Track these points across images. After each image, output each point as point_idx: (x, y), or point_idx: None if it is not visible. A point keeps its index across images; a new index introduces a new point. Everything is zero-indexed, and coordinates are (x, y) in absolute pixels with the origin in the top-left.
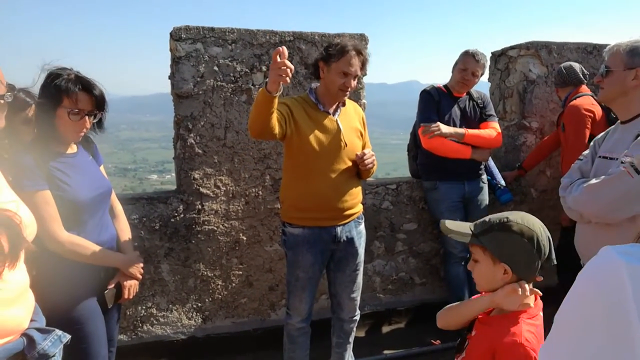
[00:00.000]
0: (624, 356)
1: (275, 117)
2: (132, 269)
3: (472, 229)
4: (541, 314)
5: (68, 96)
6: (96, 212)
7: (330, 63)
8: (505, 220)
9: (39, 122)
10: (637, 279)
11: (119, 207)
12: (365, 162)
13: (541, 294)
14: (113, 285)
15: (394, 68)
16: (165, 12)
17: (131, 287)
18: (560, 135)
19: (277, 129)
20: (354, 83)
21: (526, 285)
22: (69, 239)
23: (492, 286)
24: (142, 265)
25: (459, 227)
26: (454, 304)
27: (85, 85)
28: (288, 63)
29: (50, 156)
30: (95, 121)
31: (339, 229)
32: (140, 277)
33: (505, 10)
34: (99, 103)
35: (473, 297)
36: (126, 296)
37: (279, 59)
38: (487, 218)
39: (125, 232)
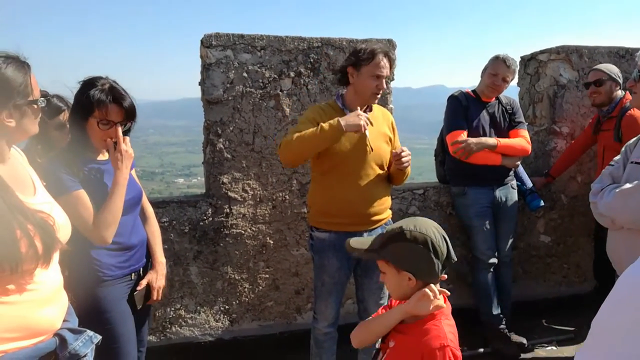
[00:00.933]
0: None
1: None
2: (162, 270)
3: (371, 245)
4: None
5: (99, 107)
6: (127, 215)
7: (360, 67)
8: (398, 229)
9: (72, 128)
10: None
11: (150, 210)
12: (402, 159)
13: (449, 293)
14: (143, 286)
15: (419, 72)
16: (193, 20)
17: (160, 288)
18: (602, 139)
19: None
20: (384, 86)
21: (434, 287)
22: (111, 234)
23: (402, 294)
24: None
25: (361, 245)
26: (366, 320)
27: (117, 97)
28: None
29: (83, 162)
30: (124, 130)
31: (365, 235)
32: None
33: (533, 15)
34: (128, 114)
35: (380, 309)
36: (155, 297)
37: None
38: (383, 231)
39: (155, 235)
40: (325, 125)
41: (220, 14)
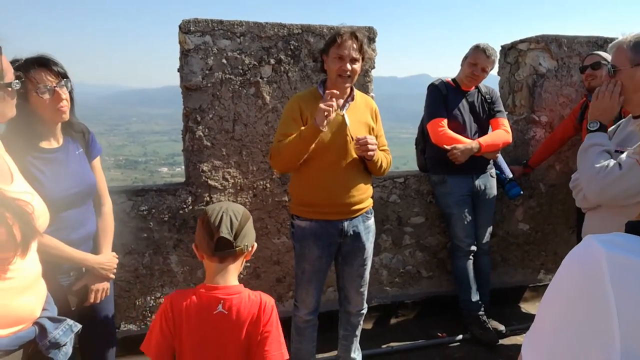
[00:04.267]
0: (603, 342)
1: None
2: (103, 270)
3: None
4: None
5: (29, 79)
6: (72, 209)
7: (328, 52)
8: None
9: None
10: (615, 267)
11: (107, 204)
12: (361, 145)
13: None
14: (77, 288)
15: (405, 62)
16: (178, 5)
17: (99, 290)
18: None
19: None
20: (354, 67)
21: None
22: (38, 238)
23: None
24: (114, 266)
25: None
26: None
27: (41, 62)
28: (335, 99)
29: (27, 151)
30: (69, 91)
31: (345, 223)
32: (113, 277)
33: (516, 3)
34: (60, 73)
35: None
36: (92, 300)
37: (328, 99)
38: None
39: (106, 230)
40: (304, 129)
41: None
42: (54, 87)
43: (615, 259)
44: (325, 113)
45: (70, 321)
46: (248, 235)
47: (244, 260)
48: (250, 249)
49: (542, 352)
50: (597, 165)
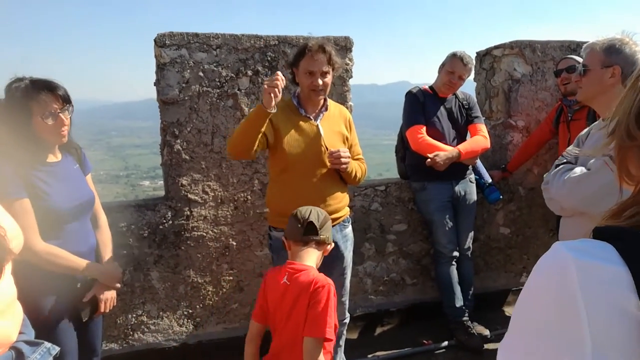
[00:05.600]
0: (574, 350)
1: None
2: (110, 279)
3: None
4: None
5: (36, 102)
6: (75, 221)
7: (298, 65)
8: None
9: (18, 130)
10: (583, 273)
11: (103, 218)
12: (334, 158)
13: None
14: (89, 299)
15: (384, 69)
16: (153, 17)
17: (108, 300)
18: (573, 129)
19: (254, 148)
20: (325, 80)
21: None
22: (45, 248)
23: None
24: (120, 275)
25: None
26: None
27: (47, 86)
28: (280, 78)
29: (31, 165)
30: (70, 115)
31: None
32: (119, 287)
33: (494, 9)
34: (65, 98)
35: None
36: (102, 310)
37: (273, 79)
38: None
39: (106, 243)
40: (252, 110)
41: (181, 11)
42: (58, 112)
43: (583, 265)
44: (272, 94)
45: (47, 344)
46: (328, 231)
47: (323, 254)
48: (329, 242)
49: None
50: (566, 177)
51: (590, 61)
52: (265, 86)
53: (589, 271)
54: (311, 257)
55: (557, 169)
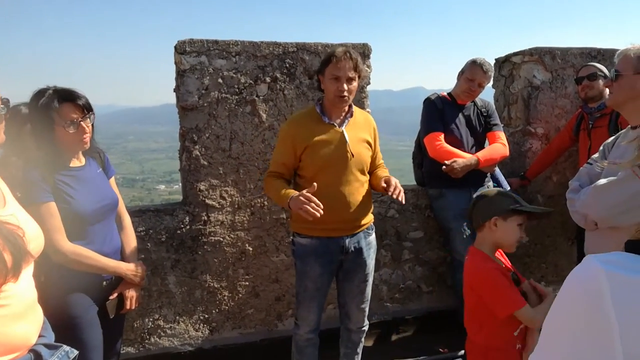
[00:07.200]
0: None
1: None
2: (135, 277)
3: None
4: None
5: (57, 112)
6: (100, 223)
7: (324, 72)
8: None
9: (42, 139)
10: (615, 286)
11: (127, 219)
12: (390, 191)
13: None
14: (115, 296)
15: (400, 75)
16: (174, 24)
17: (133, 297)
18: (594, 137)
19: None
20: (350, 87)
21: None
22: (72, 249)
23: None
24: (144, 274)
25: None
26: None
27: (66, 96)
28: (319, 213)
29: (56, 170)
30: (92, 122)
31: (347, 240)
32: (143, 283)
33: (510, 15)
34: (86, 107)
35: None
36: (128, 306)
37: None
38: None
39: (130, 244)
40: (282, 193)
41: (199, 17)
42: (79, 121)
43: (615, 278)
44: (301, 212)
45: (66, 347)
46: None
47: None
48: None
49: None
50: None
51: (622, 67)
52: (305, 207)
53: (621, 284)
54: (480, 243)
55: (582, 190)
